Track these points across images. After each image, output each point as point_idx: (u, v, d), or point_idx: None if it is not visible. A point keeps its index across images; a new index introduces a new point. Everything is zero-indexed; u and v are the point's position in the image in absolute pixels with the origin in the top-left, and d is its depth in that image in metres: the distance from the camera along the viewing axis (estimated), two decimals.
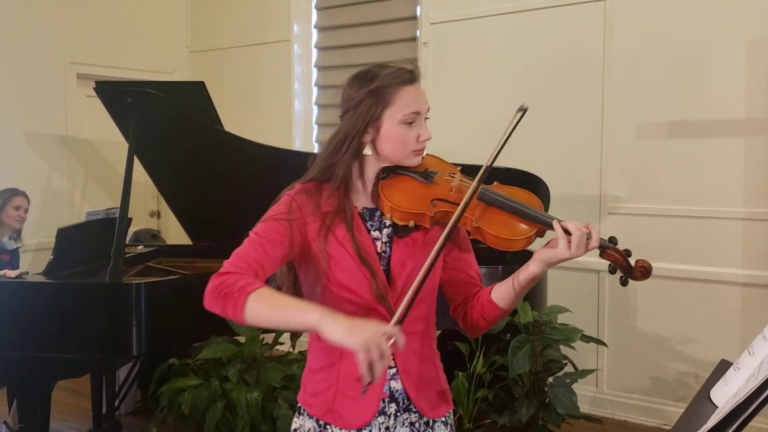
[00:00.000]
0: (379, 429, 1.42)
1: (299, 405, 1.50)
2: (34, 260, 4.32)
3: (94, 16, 4.96)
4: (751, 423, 0.89)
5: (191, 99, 3.55)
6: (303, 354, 3.36)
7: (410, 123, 1.39)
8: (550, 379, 3.26)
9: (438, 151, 1.53)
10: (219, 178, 3.51)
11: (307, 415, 1.46)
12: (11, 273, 3.00)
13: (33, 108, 4.63)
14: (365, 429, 1.42)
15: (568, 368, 3.34)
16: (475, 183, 1.37)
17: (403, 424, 1.45)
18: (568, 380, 3.23)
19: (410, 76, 1.41)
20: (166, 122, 3.32)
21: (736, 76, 3.49)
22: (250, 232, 1.40)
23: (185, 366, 3.17)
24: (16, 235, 3.90)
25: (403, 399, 1.45)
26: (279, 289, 1.47)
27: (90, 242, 3.32)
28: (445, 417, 1.50)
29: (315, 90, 5.13)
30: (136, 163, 3.30)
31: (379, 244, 1.43)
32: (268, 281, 1.36)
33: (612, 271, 1.37)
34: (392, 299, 1.40)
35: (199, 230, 3.89)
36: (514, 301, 1.42)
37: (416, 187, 1.43)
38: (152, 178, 3.77)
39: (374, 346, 1.15)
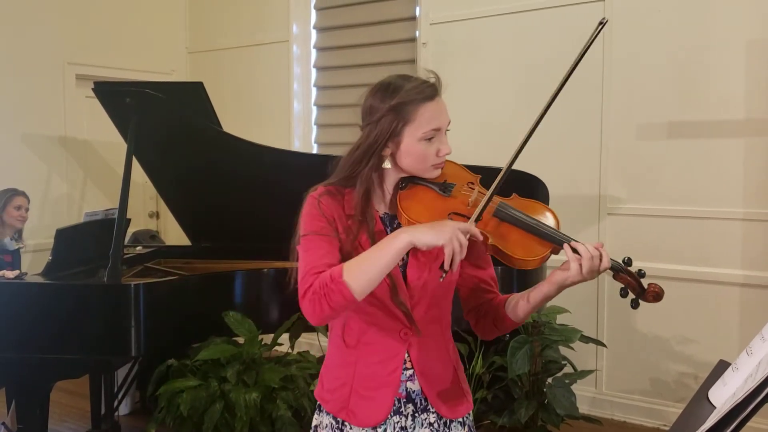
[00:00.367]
0: (394, 428, 1.45)
1: (318, 402, 1.53)
2: (33, 261, 4.32)
3: (93, 17, 4.95)
4: (750, 423, 0.89)
5: (190, 99, 3.55)
6: (302, 355, 3.36)
7: (430, 139, 1.41)
8: (549, 380, 3.26)
9: None
10: (218, 179, 3.51)
11: (325, 411, 1.50)
12: (10, 274, 3.00)
13: (32, 109, 4.63)
14: (380, 428, 1.44)
15: (567, 369, 3.34)
16: (486, 198, 1.38)
17: (422, 425, 1.47)
18: (567, 381, 3.23)
19: (431, 92, 1.41)
20: (164, 123, 3.32)
21: (736, 77, 3.49)
22: (300, 247, 1.41)
23: (184, 367, 3.17)
24: (18, 235, 3.90)
25: (421, 400, 1.47)
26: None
27: (89, 243, 3.32)
28: (463, 418, 1.52)
29: (314, 90, 5.13)
30: (135, 163, 3.30)
31: None
32: None
33: (623, 295, 1.37)
34: (409, 303, 1.43)
35: (198, 231, 3.89)
36: (527, 315, 1.45)
37: (433, 199, 1.44)
38: (151, 179, 3.77)
39: (456, 240, 1.26)
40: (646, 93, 3.73)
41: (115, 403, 3.62)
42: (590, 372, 3.41)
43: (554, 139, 3.94)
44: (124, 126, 3.33)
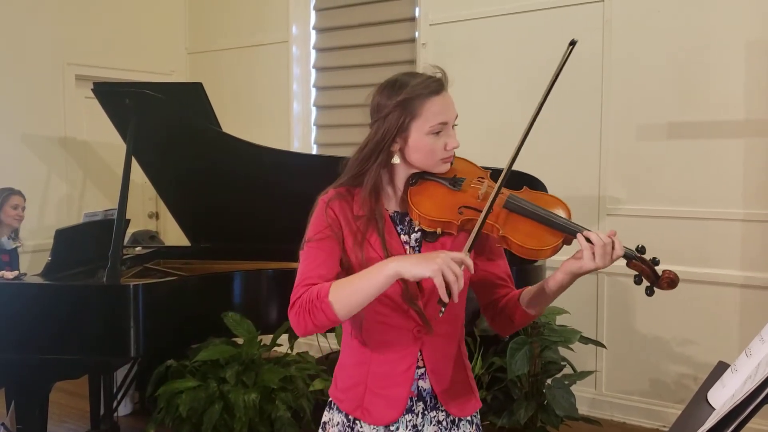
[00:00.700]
0: (407, 426, 1.46)
1: (330, 399, 1.54)
2: (32, 261, 4.32)
3: (93, 18, 4.96)
4: (749, 425, 0.89)
5: (189, 100, 3.55)
6: (301, 356, 3.36)
7: (438, 133, 1.41)
8: (549, 381, 3.26)
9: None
10: (217, 180, 3.51)
11: (337, 409, 1.51)
12: (9, 274, 2.99)
13: (32, 109, 4.63)
14: (393, 426, 1.46)
15: (567, 370, 3.34)
16: (495, 189, 1.38)
17: (431, 422, 1.48)
18: (566, 382, 3.23)
19: (437, 86, 1.43)
20: (164, 123, 3.32)
21: (736, 78, 3.49)
22: (304, 251, 1.44)
23: (183, 367, 3.17)
24: (15, 234, 3.90)
25: (431, 398, 1.48)
26: None
27: (88, 244, 3.32)
28: (471, 416, 1.53)
29: (313, 91, 5.13)
30: (135, 164, 3.30)
31: (408, 248, 1.47)
32: None
33: (638, 282, 1.36)
34: (421, 303, 1.43)
35: (198, 231, 3.88)
36: (543, 306, 1.44)
37: (444, 194, 1.44)
38: (150, 180, 3.77)
39: (447, 268, 1.23)
40: (646, 94, 3.72)
41: (115, 404, 3.62)
42: (590, 373, 3.41)
43: (554, 140, 3.94)
44: (123, 126, 3.33)
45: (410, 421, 1.47)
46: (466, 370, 1.55)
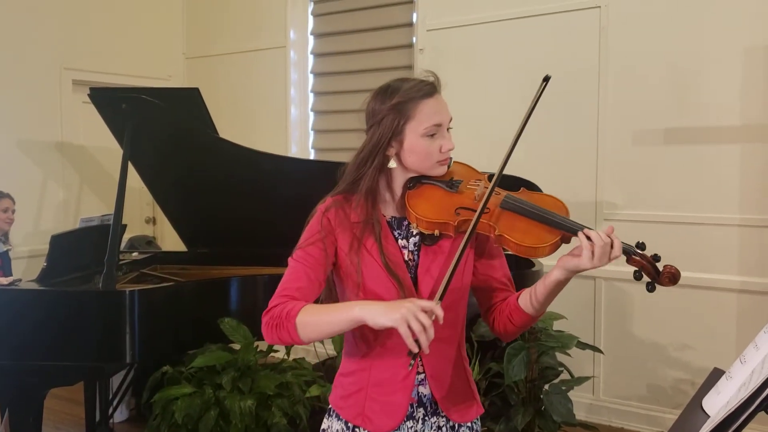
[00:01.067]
0: None
1: (330, 407, 1.54)
2: (27, 267, 4.30)
3: (90, 22, 4.96)
4: (744, 431, 0.88)
5: (186, 105, 3.54)
6: (297, 362, 3.35)
7: (432, 135, 1.42)
8: (546, 387, 3.25)
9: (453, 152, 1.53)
10: (214, 185, 3.50)
11: (336, 417, 1.50)
12: (4, 280, 2.99)
13: (28, 114, 4.62)
14: None
15: (564, 375, 3.33)
16: (490, 187, 1.38)
17: (431, 428, 1.48)
18: (564, 387, 3.22)
19: (430, 89, 1.44)
20: (160, 128, 3.32)
21: (732, 83, 3.49)
22: (290, 260, 1.45)
23: (179, 374, 3.15)
24: (4, 238, 3.88)
25: (431, 403, 1.48)
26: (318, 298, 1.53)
27: (84, 249, 3.31)
28: (471, 423, 1.53)
29: (311, 96, 5.14)
30: (131, 169, 3.29)
31: (406, 252, 1.47)
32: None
33: (638, 277, 1.35)
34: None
35: (194, 237, 3.88)
36: (541, 306, 1.42)
37: (441, 196, 1.44)
38: (147, 185, 3.76)
39: (413, 318, 1.20)
40: (642, 99, 3.73)
41: (110, 410, 3.60)
42: (587, 378, 3.40)
43: (551, 145, 3.95)
44: (120, 132, 3.33)
45: (411, 427, 1.46)
46: (466, 375, 1.54)
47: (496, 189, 1.42)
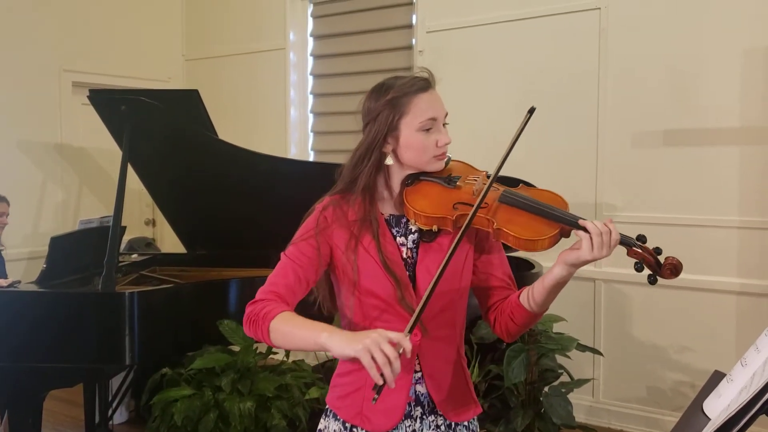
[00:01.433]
0: None
1: (327, 407, 1.53)
2: (27, 269, 4.30)
3: (90, 24, 4.96)
4: None
5: (185, 107, 3.54)
6: (297, 364, 3.35)
7: (428, 129, 1.42)
8: (546, 389, 3.24)
9: (450, 150, 1.53)
10: (213, 186, 3.50)
11: (333, 416, 1.50)
12: (3, 282, 2.98)
13: (27, 116, 4.62)
14: None
15: (564, 378, 3.33)
16: (488, 182, 1.38)
17: (429, 427, 1.48)
18: (563, 390, 3.22)
19: (424, 84, 1.44)
20: (160, 130, 3.32)
21: (731, 85, 3.49)
22: (282, 255, 1.45)
23: (178, 375, 3.15)
24: None
25: (428, 402, 1.48)
26: (315, 295, 1.52)
27: (84, 251, 3.31)
28: (468, 422, 1.52)
29: (310, 98, 5.13)
30: (131, 171, 3.29)
31: (404, 250, 1.46)
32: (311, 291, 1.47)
33: (638, 269, 1.32)
34: (415, 305, 1.41)
35: (194, 238, 3.88)
36: (543, 304, 1.40)
37: (439, 191, 1.44)
38: (146, 186, 3.76)
39: (376, 350, 1.16)
40: (642, 101, 3.73)
41: (110, 412, 3.60)
42: (587, 381, 3.40)
43: (550, 147, 3.95)
44: (119, 133, 3.33)
45: (409, 426, 1.46)
46: (465, 376, 1.53)
47: (495, 185, 1.42)
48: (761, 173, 3.46)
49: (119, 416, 3.90)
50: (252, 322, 1.36)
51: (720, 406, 1.00)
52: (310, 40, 5.10)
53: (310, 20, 5.08)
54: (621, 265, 3.41)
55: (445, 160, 1.48)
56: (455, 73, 4.29)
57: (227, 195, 3.50)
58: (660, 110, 3.69)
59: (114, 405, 3.70)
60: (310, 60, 5.11)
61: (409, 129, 1.41)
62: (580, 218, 1.33)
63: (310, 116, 5.15)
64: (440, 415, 1.48)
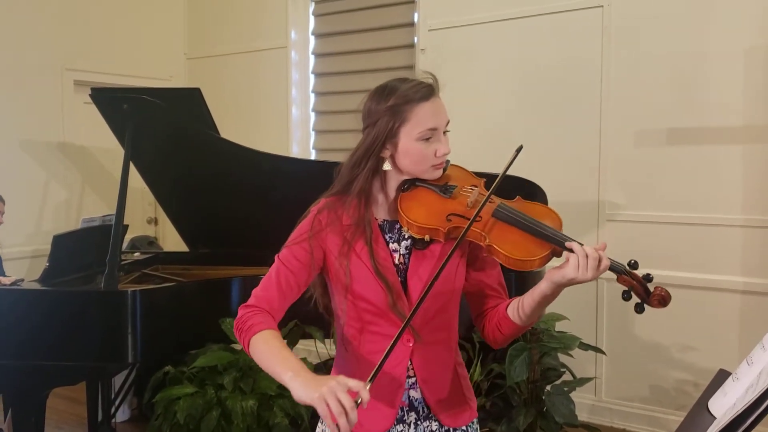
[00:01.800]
0: None
1: None
2: (30, 267, 4.30)
3: (92, 23, 4.96)
4: None
5: (187, 106, 3.54)
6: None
7: (428, 139, 1.40)
8: (548, 388, 3.24)
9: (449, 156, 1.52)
10: (215, 185, 3.50)
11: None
12: (6, 280, 2.98)
13: (30, 115, 4.62)
14: None
15: (566, 376, 3.33)
16: (485, 198, 1.37)
17: None
18: (566, 388, 3.21)
19: (427, 92, 1.41)
20: (162, 129, 3.31)
21: (734, 84, 3.49)
22: (276, 258, 1.45)
23: (180, 374, 3.15)
24: None
25: (423, 408, 1.46)
26: (311, 292, 1.52)
27: (86, 249, 3.31)
28: (466, 426, 1.50)
29: (312, 96, 5.13)
30: (133, 169, 3.29)
31: (397, 256, 1.45)
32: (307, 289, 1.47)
33: (626, 298, 1.32)
34: (407, 311, 1.40)
35: (196, 237, 3.87)
36: (530, 317, 1.39)
37: (434, 201, 1.42)
38: (148, 185, 3.76)
39: (332, 399, 1.13)
40: (645, 99, 3.72)
41: (112, 410, 3.60)
42: (589, 379, 3.39)
43: (554, 146, 3.94)
44: (121, 132, 3.32)
45: (402, 431, 1.45)
46: (460, 379, 1.51)
47: (492, 197, 1.40)
48: (765, 171, 3.45)
49: (122, 414, 3.90)
50: (238, 329, 1.38)
51: (726, 404, 0.99)
52: (312, 39, 5.10)
53: (312, 19, 5.08)
54: None
55: (444, 167, 1.46)
56: (457, 71, 4.28)
57: (229, 193, 3.50)
58: (663, 108, 3.68)
59: (117, 403, 3.70)
60: (312, 58, 5.11)
61: (408, 137, 1.39)
62: (569, 239, 1.32)
63: (312, 115, 5.15)
64: (435, 421, 1.46)
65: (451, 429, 1.48)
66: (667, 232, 3.68)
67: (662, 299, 1.30)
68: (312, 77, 5.12)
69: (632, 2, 3.74)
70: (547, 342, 3.17)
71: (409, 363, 1.44)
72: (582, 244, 1.30)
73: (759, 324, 3.44)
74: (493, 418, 3.25)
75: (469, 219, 1.36)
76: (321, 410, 1.14)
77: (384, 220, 1.47)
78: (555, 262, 1.34)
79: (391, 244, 1.46)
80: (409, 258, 1.44)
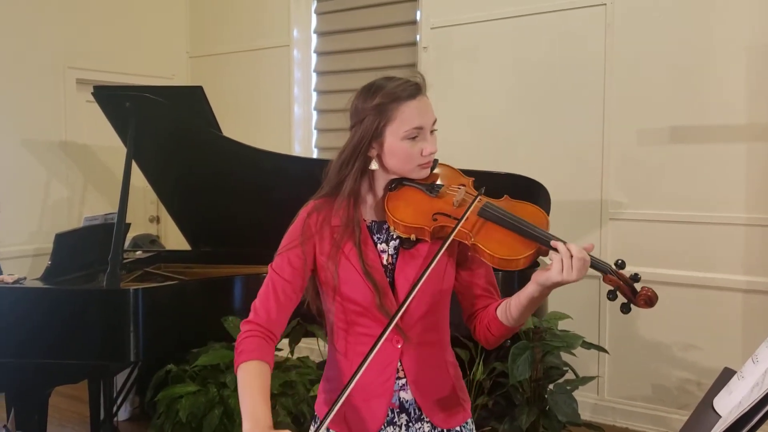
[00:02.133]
0: None
1: (315, 414, 1.53)
2: (32, 266, 4.31)
3: (94, 21, 4.96)
4: None
5: (189, 104, 3.54)
6: (301, 360, 3.34)
7: (414, 138, 1.39)
8: (551, 386, 3.23)
9: (437, 155, 1.52)
10: (218, 184, 3.50)
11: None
12: (8, 278, 2.98)
13: (32, 113, 4.62)
14: None
15: (569, 375, 3.32)
16: (472, 200, 1.36)
17: None
18: (568, 387, 3.21)
19: (413, 90, 1.39)
20: (164, 127, 3.31)
21: (737, 82, 3.48)
22: (269, 268, 1.44)
23: (183, 372, 3.15)
24: None
25: (415, 409, 1.45)
26: (303, 296, 1.50)
27: (88, 248, 3.31)
28: (459, 427, 1.49)
29: (314, 95, 5.13)
30: (135, 168, 3.29)
31: (385, 256, 1.44)
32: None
33: (611, 298, 1.30)
34: (394, 311, 1.39)
35: (198, 235, 3.87)
36: (517, 320, 1.38)
37: (420, 200, 1.42)
38: (151, 183, 3.76)
39: None
40: (648, 98, 3.72)
41: (114, 409, 3.60)
42: (592, 378, 3.38)
43: (556, 145, 3.93)
44: (123, 130, 3.33)
45: None
46: (452, 380, 1.50)
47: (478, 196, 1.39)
48: None
49: (124, 412, 3.91)
50: (236, 348, 1.37)
51: (731, 403, 0.99)
52: (314, 37, 5.09)
53: (314, 17, 5.08)
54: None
55: (431, 166, 1.45)
56: (460, 69, 4.28)
57: (231, 192, 3.50)
58: (666, 107, 3.67)
59: (119, 401, 3.70)
60: (314, 57, 5.10)
61: (394, 136, 1.38)
62: (554, 238, 1.30)
63: (314, 113, 5.14)
64: (427, 422, 1.45)
65: (445, 430, 1.47)
66: (669, 230, 3.68)
67: (649, 299, 1.28)
68: (314, 75, 5.12)
69: (635, 0, 3.73)
70: (550, 341, 3.17)
71: (399, 364, 1.43)
72: (565, 243, 1.28)
73: (762, 323, 3.43)
74: (496, 417, 3.25)
75: (453, 218, 1.35)
76: None
77: (372, 221, 1.46)
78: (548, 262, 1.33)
79: (379, 245, 1.45)
80: (396, 258, 1.43)
